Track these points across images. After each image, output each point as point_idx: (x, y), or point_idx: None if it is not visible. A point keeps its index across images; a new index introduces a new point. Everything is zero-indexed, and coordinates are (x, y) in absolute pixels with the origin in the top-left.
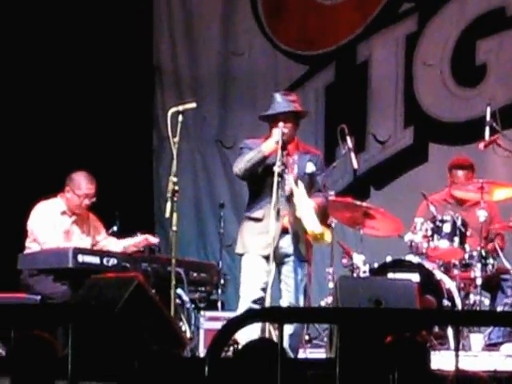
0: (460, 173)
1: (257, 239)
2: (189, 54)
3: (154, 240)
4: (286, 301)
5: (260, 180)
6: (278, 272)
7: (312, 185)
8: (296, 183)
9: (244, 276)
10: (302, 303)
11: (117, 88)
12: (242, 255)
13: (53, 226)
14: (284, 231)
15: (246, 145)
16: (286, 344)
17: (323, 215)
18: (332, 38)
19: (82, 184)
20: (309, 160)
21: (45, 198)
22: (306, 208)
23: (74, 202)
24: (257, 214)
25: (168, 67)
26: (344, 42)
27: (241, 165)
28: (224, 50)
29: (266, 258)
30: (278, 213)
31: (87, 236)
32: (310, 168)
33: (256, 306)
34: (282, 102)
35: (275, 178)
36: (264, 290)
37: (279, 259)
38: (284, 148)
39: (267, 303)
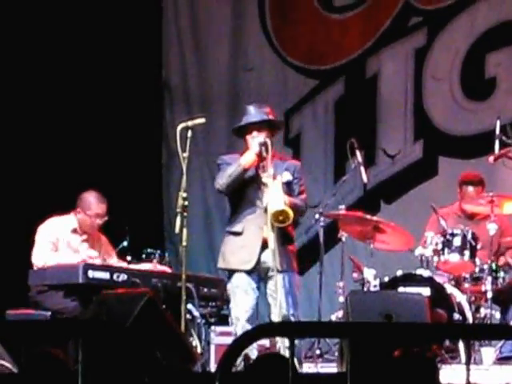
0: (470, 189)
1: (237, 254)
2: (198, 70)
3: (162, 268)
4: (276, 315)
5: (239, 193)
6: (265, 286)
7: (289, 193)
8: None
9: (233, 298)
10: (294, 316)
11: (126, 104)
12: (223, 270)
13: (53, 244)
14: (264, 245)
15: (224, 160)
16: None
17: (295, 211)
18: (341, 52)
19: (92, 204)
20: (285, 169)
21: (58, 214)
22: (273, 191)
23: (85, 223)
24: (237, 227)
25: (177, 83)
26: (353, 56)
27: (222, 180)
28: (233, 66)
29: (248, 272)
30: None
31: (95, 257)
32: (286, 177)
33: (249, 326)
34: (253, 113)
35: (265, 188)
36: (255, 306)
37: (264, 273)
38: (264, 157)
39: (276, 315)
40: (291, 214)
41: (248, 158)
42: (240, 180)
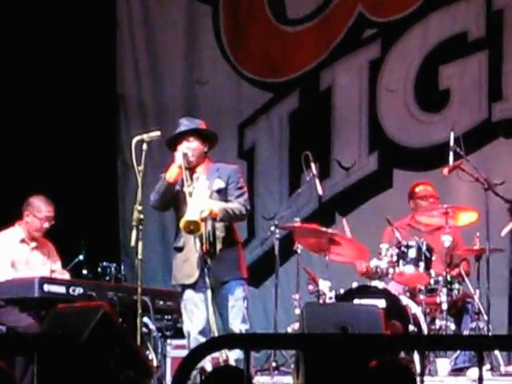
0: (424, 203)
1: (181, 269)
2: (153, 82)
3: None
4: (223, 326)
5: (176, 209)
6: (213, 297)
7: (226, 199)
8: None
9: (184, 312)
10: (240, 327)
11: (81, 116)
12: (175, 286)
13: (8, 257)
14: (206, 255)
15: (161, 177)
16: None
17: (227, 216)
18: (295, 65)
19: (42, 207)
20: (218, 176)
21: (2, 229)
22: (192, 201)
23: (34, 226)
24: (178, 243)
25: (132, 95)
26: (307, 69)
27: (152, 197)
28: (188, 78)
29: (195, 286)
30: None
31: (46, 264)
32: (217, 185)
33: (202, 338)
34: (183, 125)
35: (187, 198)
36: (207, 318)
37: (211, 284)
38: (189, 168)
39: (213, 330)
40: (201, 225)
41: (170, 171)
42: (168, 195)
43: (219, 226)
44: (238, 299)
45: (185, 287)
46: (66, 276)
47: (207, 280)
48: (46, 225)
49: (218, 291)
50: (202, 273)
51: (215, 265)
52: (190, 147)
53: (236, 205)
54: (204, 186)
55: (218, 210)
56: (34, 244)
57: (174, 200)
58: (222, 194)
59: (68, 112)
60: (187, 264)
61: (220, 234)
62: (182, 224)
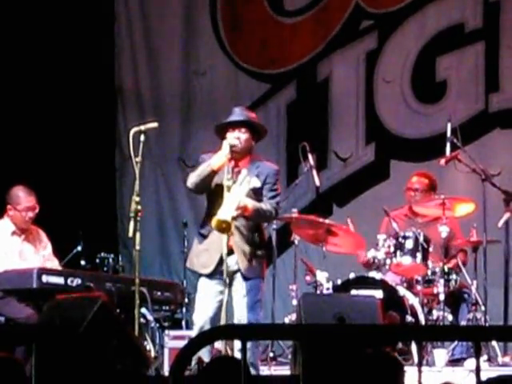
0: (417, 196)
1: (200, 257)
2: (150, 74)
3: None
4: (236, 318)
5: (212, 196)
6: (229, 290)
7: (258, 198)
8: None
9: (197, 298)
10: (252, 319)
11: (79, 108)
12: (190, 270)
13: (2, 249)
14: (230, 250)
15: (203, 159)
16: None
17: (257, 216)
18: (293, 56)
19: (20, 198)
20: (257, 174)
21: None
22: (228, 198)
23: (18, 219)
24: (204, 230)
25: (130, 87)
26: (305, 60)
27: (192, 179)
28: (185, 70)
29: (212, 276)
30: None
31: (39, 252)
32: (254, 183)
33: (208, 327)
34: (235, 114)
35: (225, 192)
36: (217, 309)
37: (228, 277)
38: (234, 160)
39: (222, 320)
40: (232, 225)
41: (217, 159)
42: (208, 181)
43: (250, 226)
44: (250, 290)
45: (200, 275)
46: (55, 263)
47: (225, 273)
48: (30, 215)
49: (234, 283)
50: (220, 266)
51: (242, 260)
52: (240, 138)
53: (268, 206)
54: (244, 182)
55: (251, 208)
56: (24, 235)
57: (210, 187)
58: (257, 193)
59: (66, 104)
60: (206, 254)
61: (250, 234)
62: (213, 223)
